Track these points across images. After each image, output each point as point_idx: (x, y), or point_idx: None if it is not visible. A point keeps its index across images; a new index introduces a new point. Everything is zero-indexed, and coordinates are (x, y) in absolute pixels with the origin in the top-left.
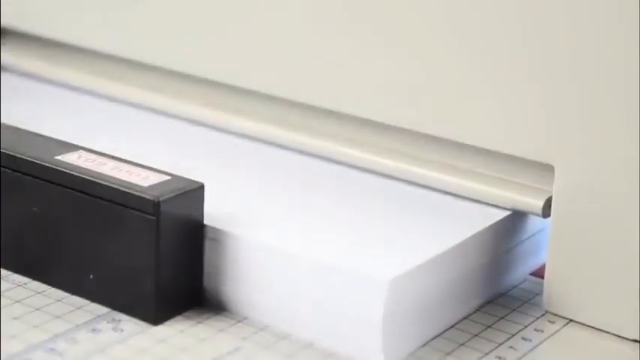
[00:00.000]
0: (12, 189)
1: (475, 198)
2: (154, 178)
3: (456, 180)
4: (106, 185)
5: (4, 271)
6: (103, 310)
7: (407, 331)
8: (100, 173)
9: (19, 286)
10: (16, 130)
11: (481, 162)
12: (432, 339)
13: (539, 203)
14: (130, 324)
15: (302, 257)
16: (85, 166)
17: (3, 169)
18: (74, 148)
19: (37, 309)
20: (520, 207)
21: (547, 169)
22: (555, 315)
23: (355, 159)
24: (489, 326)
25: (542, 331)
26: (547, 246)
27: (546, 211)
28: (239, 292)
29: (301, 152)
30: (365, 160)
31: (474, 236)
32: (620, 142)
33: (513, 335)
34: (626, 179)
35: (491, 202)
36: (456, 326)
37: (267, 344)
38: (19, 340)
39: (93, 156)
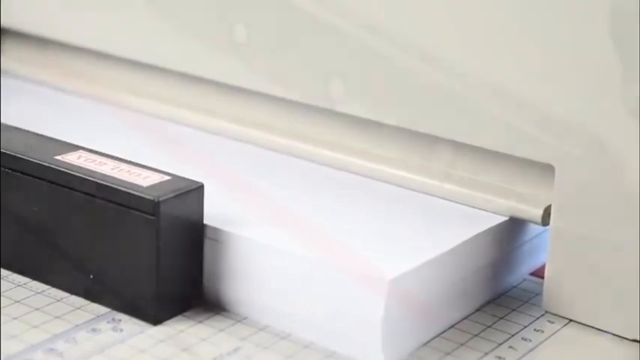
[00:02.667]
0: (12, 189)
1: (475, 206)
2: (153, 178)
3: (456, 188)
4: (106, 185)
5: (4, 271)
6: (103, 310)
7: (407, 331)
8: (100, 173)
9: (19, 286)
10: (16, 130)
11: (480, 165)
12: (432, 339)
13: (539, 212)
14: (129, 324)
15: (302, 257)
16: (85, 166)
17: (3, 169)
18: (74, 148)
19: (37, 309)
20: (519, 215)
21: (547, 169)
22: (555, 315)
23: (355, 160)
24: (489, 326)
25: (542, 331)
26: (547, 246)
27: (546, 219)
28: (239, 292)
29: (301, 153)
30: (365, 161)
31: (474, 238)
32: (620, 142)
33: (513, 335)
34: (626, 179)
35: (491, 211)
36: (456, 326)
37: (267, 344)
38: (19, 340)
39: (93, 156)
